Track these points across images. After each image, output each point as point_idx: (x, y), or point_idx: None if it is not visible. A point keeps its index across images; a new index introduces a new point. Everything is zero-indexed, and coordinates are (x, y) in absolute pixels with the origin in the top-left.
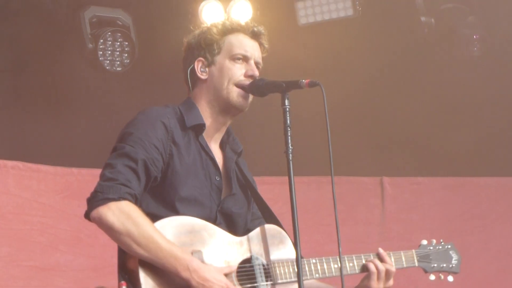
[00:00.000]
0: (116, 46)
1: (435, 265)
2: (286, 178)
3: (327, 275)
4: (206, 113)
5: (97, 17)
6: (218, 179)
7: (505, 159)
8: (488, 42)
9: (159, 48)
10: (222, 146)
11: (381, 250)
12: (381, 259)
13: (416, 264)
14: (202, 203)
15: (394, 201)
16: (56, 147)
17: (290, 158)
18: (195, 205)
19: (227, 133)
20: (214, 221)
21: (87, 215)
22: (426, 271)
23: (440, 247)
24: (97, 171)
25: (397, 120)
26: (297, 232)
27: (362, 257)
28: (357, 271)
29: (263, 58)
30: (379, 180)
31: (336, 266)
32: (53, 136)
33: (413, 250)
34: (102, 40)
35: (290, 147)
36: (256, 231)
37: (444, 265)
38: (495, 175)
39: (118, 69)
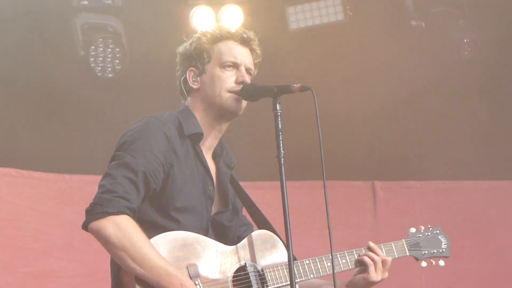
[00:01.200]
0: (107, 52)
1: (426, 251)
2: (279, 182)
3: (321, 274)
4: (203, 121)
5: (89, 24)
6: (211, 188)
7: (497, 163)
8: (479, 46)
9: (150, 54)
10: (214, 157)
11: (372, 244)
12: (374, 252)
13: (407, 253)
14: (198, 212)
15: (386, 205)
16: (49, 153)
17: (282, 163)
18: (192, 214)
19: (220, 146)
20: (206, 231)
21: (85, 226)
22: (417, 259)
23: (429, 233)
24: (89, 178)
25: (388, 124)
26: (289, 236)
27: (354, 252)
28: (350, 267)
29: (256, 64)
30: (371, 184)
31: (329, 264)
32: (46, 142)
33: (403, 240)
34: (93, 47)
35: (282, 151)
36: (248, 238)
37: (435, 250)
38: (487, 178)
39: (109, 75)
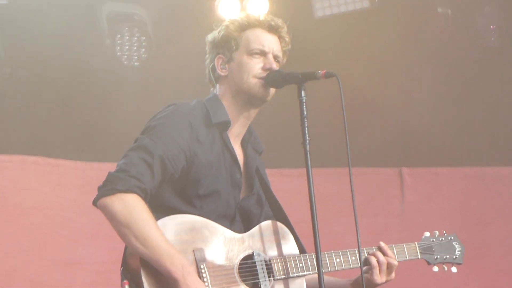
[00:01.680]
0: (133, 41)
1: (438, 256)
2: (305, 170)
3: (329, 269)
4: (230, 108)
5: (115, 12)
6: (238, 176)
7: None
8: (505, 32)
9: (176, 43)
10: (243, 144)
11: (382, 244)
12: (383, 252)
13: (419, 256)
14: (224, 198)
15: (414, 191)
16: (76, 141)
17: (308, 150)
18: (217, 200)
19: (249, 132)
20: (232, 218)
21: (95, 202)
22: (429, 263)
23: (443, 238)
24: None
25: (416, 110)
26: (315, 223)
27: (365, 250)
28: (359, 265)
29: (285, 51)
30: (398, 170)
31: (338, 260)
32: (73, 130)
33: (416, 243)
34: (119, 36)
35: (307, 138)
36: (257, 227)
37: (447, 256)
38: None
39: (135, 64)
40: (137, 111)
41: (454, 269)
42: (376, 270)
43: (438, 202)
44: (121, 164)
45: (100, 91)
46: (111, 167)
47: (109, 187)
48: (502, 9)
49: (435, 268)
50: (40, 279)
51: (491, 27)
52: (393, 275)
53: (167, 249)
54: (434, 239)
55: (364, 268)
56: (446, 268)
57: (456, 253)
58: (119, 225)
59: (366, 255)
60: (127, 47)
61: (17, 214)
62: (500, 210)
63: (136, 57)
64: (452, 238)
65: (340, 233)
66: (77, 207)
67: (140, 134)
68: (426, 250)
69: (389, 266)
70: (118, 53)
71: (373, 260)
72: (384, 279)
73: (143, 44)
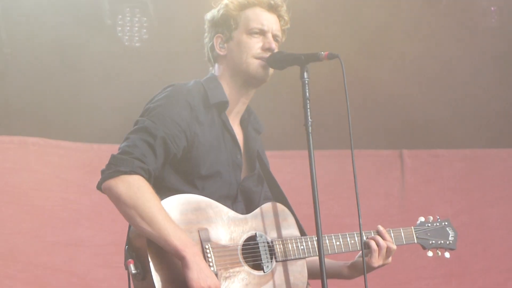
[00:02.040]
0: (134, 21)
1: (433, 241)
2: (306, 151)
3: (329, 252)
4: (229, 87)
5: None
6: (239, 157)
7: None
8: (506, 13)
9: (177, 23)
10: (242, 123)
11: (380, 228)
12: (382, 236)
13: (415, 241)
14: (225, 179)
15: (414, 173)
16: (76, 123)
17: (310, 131)
18: (218, 181)
19: (248, 112)
20: (234, 198)
21: (99, 186)
22: (424, 248)
23: (437, 223)
24: (117, 147)
25: (416, 93)
26: (317, 205)
27: (364, 233)
28: (358, 248)
29: (284, 30)
30: (399, 152)
31: (338, 243)
32: (73, 112)
33: (412, 227)
34: (120, 16)
35: (310, 120)
36: (260, 209)
37: (442, 241)
38: None
39: (137, 44)
40: (138, 92)
41: (447, 254)
42: (375, 254)
43: (438, 184)
44: (124, 146)
45: (101, 72)
46: (112, 148)
47: (113, 169)
48: None
49: (430, 253)
50: (40, 261)
51: (492, 8)
52: (390, 259)
53: (174, 229)
54: (429, 224)
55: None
56: (439, 253)
57: (450, 238)
58: (124, 207)
59: (365, 239)
60: (128, 28)
61: (17, 195)
62: (500, 191)
63: (137, 38)
64: (446, 223)
65: (340, 215)
66: (77, 188)
67: (139, 117)
68: (422, 235)
69: (388, 250)
70: (119, 34)
71: (373, 243)
72: (381, 263)
73: (145, 24)
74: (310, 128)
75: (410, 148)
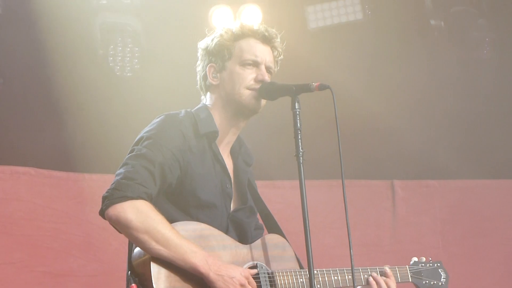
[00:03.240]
0: (126, 51)
1: (427, 281)
2: (297, 182)
3: (328, 287)
4: (220, 117)
5: (107, 23)
6: (228, 186)
7: None
8: (498, 44)
9: (169, 54)
10: (233, 154)
11: (388, 270)
12: (385, 275)
13: (410, 279)
14: (218, 210)
15: (405, 204)
16: (68, 153)
17: (301, 161)
18: (212, 211)
19: (239, 143)
20: (226, 228)
21: (102, 212)
22: (418, 287)
23: (430, 264)
24: (109, 177)
25: (408, 123)
26: (308, 235)
27: (368, 270)
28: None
29: (277, 61)
30: (390, 183)
31: (335, 278)
32: (65, 142)
33: (407, 266)
34: (112, 46)
35: (301, 150)
36: (261, 240)
37: (434, 282)
38: (506, 177)
39: (128, 74)
40: (129, 122)
41: None
42: None
43: (429, 214)
44: (125, 172)
45: (93, 102)
46: (104, 178)
47: (119, 194)
48: (495, 21)
49: None
50: None
51: (487, 39)
52: None
53: (189, 246)
54: (422, 264)
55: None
56: None
57: (442, 279)
58: (136, 232)
59: (367, 275)
60: (120, 58)
61: (8, 225)
62: (491, 222)
63: (129, 68)
64: (438, 265)
65: (331, 246)
66: (69, 218)
67: (133, 145)
68: (416, 274)
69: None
70: (111, 64)
71: (371, 280)
72: None
73: (136, 54)
74: (301, 158)
75: (401, 179)
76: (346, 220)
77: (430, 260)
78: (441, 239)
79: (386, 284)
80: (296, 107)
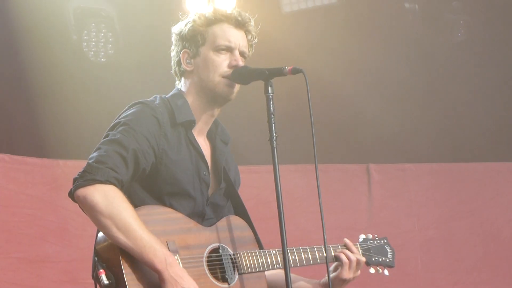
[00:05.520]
0: (100, 37)
1: (376, 258)
2: (272, 166)
3: (292, 265)
4: (195, 104)
5: (81, 8)
6: (206, 174)
7: (491, 145)
8: (473, 27)
9: (143, 39)
10: (209, 136)
11: (347, 241)
12: (349, 250)
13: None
14: (194, 198)
15: (381, 187)
16: (42, 139)
17: (275, 146)
18: (185, 199)
19: (215, 124)
20: (203, 215)
21: (71, 194)
22: (368, 264)
23: (378, 241)
24: (83, 163)
25: (383, 106)
26: (282, 219)
27: (331, 247)
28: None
29: (252, 45)
30: (366, 167)
31: (306, 256)
32: (39, 127)
33: (357, 243)
34: (86, 31)
35: (275, 134)
36: (222, 221)
37: (382, 258)
38: (481, 160)
39: (102, 59)
40: (103, 108)
41: (386, 272)
42: (346, 267)
43: (405, 198)
44: (97, 156)
45: (67, 88)
46: (79, 164)
47: (89, 177)
48: (470, 3)
49: (372, 270)
50: (5, 277)
51: (461, 22)
52: (359, 271)
53: (150, 240)
54: (371, 241)
55: (334, 264)
56: (380, 270)
57: (389, 256)
58: (99, 216)
59: (333, 252)
60: (93, 43)
61: None
62: (466, 205)
63: (103, 53)
64: (385, 241)
65: (308, 230)
66: (43, 204)
67: (107, 131)
68: (366, 251)
69: (358, 263)
70: (85, 49)
71: (343, 257)
72: (352, 275)
73: (110, 40)
74: (275, 142)
75: (377, 162)
76: (320, 203)
77: (377, 237)
78: (417, 223)
79: (355, 257)
80: (269, 91)
